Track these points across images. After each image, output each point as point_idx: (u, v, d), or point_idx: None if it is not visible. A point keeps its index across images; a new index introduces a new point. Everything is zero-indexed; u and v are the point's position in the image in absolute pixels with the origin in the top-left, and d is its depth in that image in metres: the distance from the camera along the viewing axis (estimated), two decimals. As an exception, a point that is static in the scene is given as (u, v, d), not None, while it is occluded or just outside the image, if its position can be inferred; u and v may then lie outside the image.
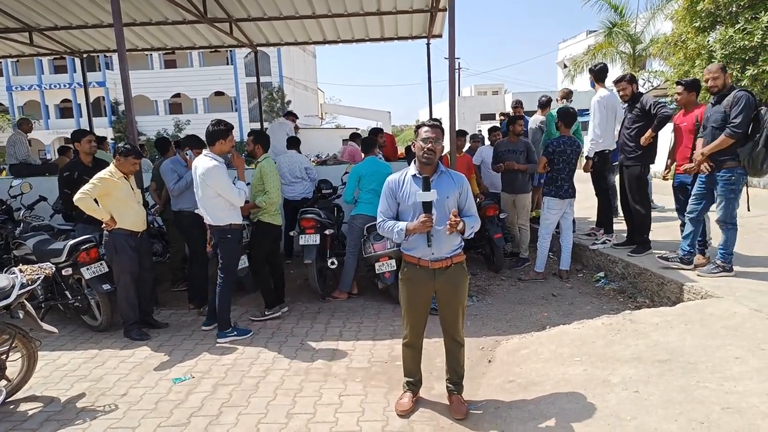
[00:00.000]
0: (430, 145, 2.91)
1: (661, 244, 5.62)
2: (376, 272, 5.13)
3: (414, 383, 3.27)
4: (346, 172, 6.56)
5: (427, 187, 2.83)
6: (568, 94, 7.19)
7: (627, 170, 5.45)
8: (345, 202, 5.63)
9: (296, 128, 8.58)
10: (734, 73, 9.40)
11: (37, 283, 3.54)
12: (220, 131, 4.35)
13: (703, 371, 3.08)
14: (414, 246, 2.98)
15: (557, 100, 7.23)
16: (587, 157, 5.93)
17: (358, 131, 9.15)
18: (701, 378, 3.00)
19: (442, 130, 3.04)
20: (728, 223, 4.52)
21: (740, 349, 3.25)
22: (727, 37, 9.40)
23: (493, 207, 6.24)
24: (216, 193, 4.32)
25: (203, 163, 4.33)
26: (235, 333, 4.51)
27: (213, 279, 4.69)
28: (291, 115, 9.00)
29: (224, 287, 4.50)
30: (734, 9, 9.70)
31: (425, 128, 2.96)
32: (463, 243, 3.07)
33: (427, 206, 2.84)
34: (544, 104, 7.42)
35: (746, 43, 9.08)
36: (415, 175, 2.98)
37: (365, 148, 5.75)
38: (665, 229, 6.46)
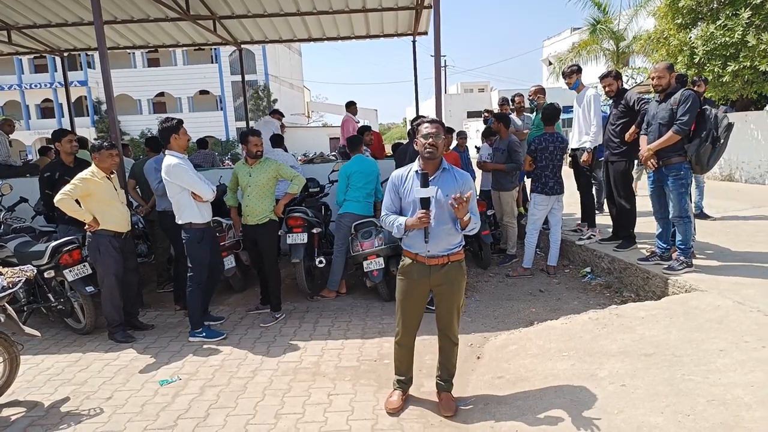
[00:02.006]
0: (431, 140, 2.88)
1: (648, 238, 5.67)
2: (364, 270, 5.12)
3: (405, 382, 3.26)
4: (334, 170, 6.54)
5: (425, 184, 2.82)
6: (540, 91, 7.14)
7: (612, 166, 5.49)
8: (337, 203, 5.60)
9: (282, 126, 8.52)
10: (716, 69, 9.54)
11: (18, 285, 3.46)
12: (169, 127, 4.34)
13: (688, 364, 3.11)
14: (412, 242, 2.99)
15: (529, 98, 7.19)
16: (587, 151, 5.91)
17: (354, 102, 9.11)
18: (686, 371, 3.04)
19: (443, 125, 3.03)
20: (683, 217, 4.61)
21: (724, 342, 3.29)
22: (708, 33, 9.53)
23: (481, 204, 6.27)
24: (180, 189, 4.32)
25: (165, 161, 4.34)
26: (204, 334, 4.48)
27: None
28: (277, 113, 8.93)
29: (191, 287, 4.48)
30: (715, 5, 9.85)
31: (425, 124, 2.93)
32: (463, 242, 3.07)
33: (425, 202, 2.83)
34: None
35: (727, 39, 9.21)
36: (417, 170, 2.96)
37: (352, 146, 5.72)
38: (653, 223, 6.52)
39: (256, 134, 4.81)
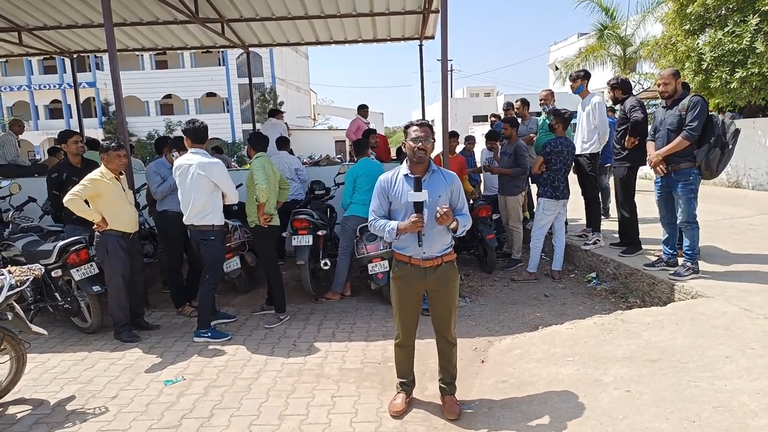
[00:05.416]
0: (420, 144, 2.90)
1: (655, 243, 5.64)
2: (369, 273, 5.13)
3: (407, 384, 3.27)
4: (340, 173, 6.56)
5: (418, 188, 2.83)
6: (551, 95, 7.12)
7: (614, 171, 5.52)
8: (342, 206, 5.61)
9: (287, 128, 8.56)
10: (723, 76, 9.51)
11: (26, 284, 3.50)
12: (207, 128, 4.53)
13: (693, 370, 3.10)
14: (405, 245, 2.99)
15: (540, 102, 7.17)
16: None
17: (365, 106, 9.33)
18: (692, 377, 3.02)
19: (431, 128, 3.04)
20: (691, 223, 4.61)
21: (730, 348, 3.28)
22: (716, 39, 9.49)
23: (486, 208, 6.27)
24: (213, 188, 4.38)
25: (201, 158, 4.39)
26: (210, 335, 4.50)
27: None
28: (278, 113, 8.97)
29: (207, 288, 4.51)
30: (723, 12, 9.81)
31: (414, 127, 2.95)
32: (453, 242, 3.08)
33: (418, 206, 2.84)
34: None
35: (735, 45, 9.17)
36: (407, 174, 2.97)
37: (358, 149, 5.74)
38: (659, 229, 6.49)
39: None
